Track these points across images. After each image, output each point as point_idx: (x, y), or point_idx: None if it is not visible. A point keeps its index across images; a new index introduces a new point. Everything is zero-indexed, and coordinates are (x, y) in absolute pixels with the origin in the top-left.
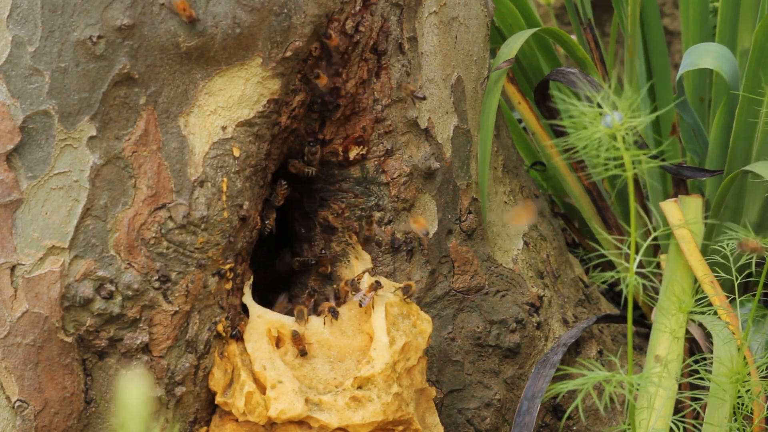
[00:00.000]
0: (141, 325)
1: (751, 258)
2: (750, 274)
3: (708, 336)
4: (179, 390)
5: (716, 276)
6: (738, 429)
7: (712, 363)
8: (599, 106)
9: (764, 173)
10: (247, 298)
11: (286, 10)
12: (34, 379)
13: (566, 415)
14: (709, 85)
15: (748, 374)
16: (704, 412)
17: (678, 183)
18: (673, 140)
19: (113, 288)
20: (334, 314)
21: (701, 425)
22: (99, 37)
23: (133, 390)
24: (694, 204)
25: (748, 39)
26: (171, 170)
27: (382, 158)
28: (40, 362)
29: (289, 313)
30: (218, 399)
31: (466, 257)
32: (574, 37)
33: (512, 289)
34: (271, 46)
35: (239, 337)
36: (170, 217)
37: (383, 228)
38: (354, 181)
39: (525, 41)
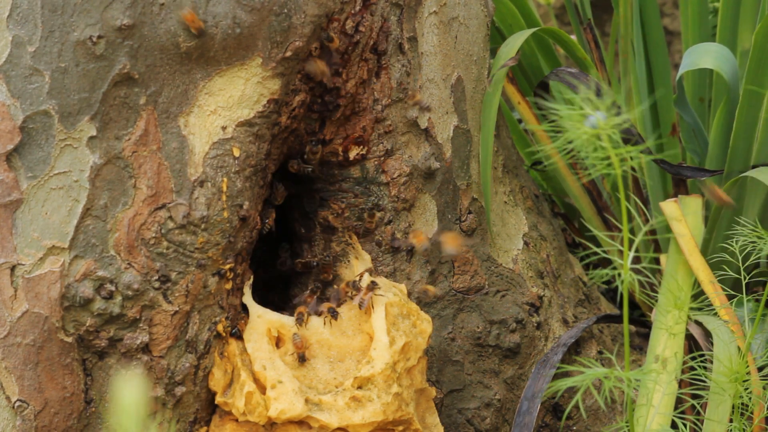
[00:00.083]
0: (141, 325)
1: (759, 257)
2: (759, 274)
3: (708, 335)
4: (179, 390)
5: (723, 274)
6: (738, 429)
7: (710, 361)
8: (581, 108)
9: (764, 179)
10: (247, 298)
11: (286, 10)
12: (34, 379)
13: (566, 413)
14: (709, 85)
15: (748, 373)
16: (703, 410)
17: (678, 183)
18: (673, 140)
19: (113, 288)
20: (334, 315)
21: (700, 422)
22: (99, 37)
23: (129, 390)
24: (694, 204)
25: (748, 39)
26: (171, 170)
27: (382, 158)
28: (40, 362)
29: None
30: (218, 399)
31: (466, 257)
32: (574, 37)
33: (512, 289)
34: (271, 46)
35: (239, 336)
36: (170, 217)
37: (383, 228)
38: (354, 181)
39: (525, 41)
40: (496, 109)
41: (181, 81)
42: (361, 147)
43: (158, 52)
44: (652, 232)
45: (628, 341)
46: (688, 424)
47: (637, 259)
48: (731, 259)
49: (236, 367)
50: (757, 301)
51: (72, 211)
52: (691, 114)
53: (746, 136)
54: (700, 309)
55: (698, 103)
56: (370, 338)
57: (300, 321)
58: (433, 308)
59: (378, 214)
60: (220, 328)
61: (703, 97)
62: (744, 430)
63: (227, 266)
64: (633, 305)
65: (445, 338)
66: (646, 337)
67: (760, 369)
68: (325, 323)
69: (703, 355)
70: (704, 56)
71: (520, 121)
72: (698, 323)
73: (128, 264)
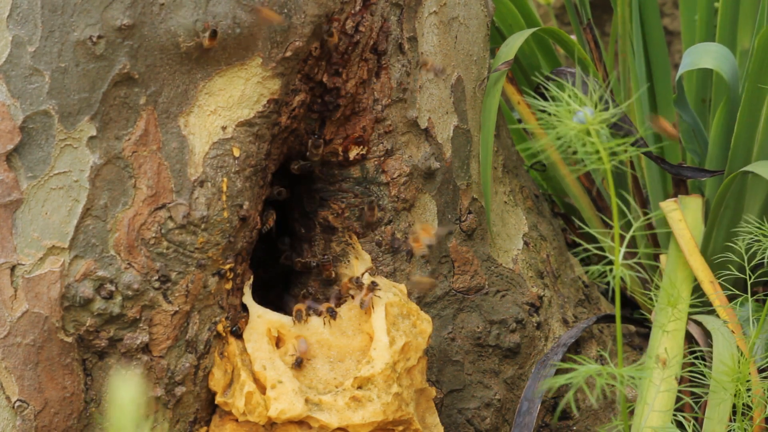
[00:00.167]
0: (141, 325)
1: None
2: (763, 274)
3: (708, 335)
4: (179, 390)
5: (726, 274)
6: (739, 429)
7: (708, 359)
8: (567, 104)
9: (764, 173)
10: (247, 298)
11: (286, 10)
12: (34, 379)
13: (558, 410)
14: (711, 86)
15: (749, 373)
16: (700, 408)
17: (678, 183)
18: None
19: (113, 288)
20: (333, 314)
21: (697, 419)
22: (99, 37)
23: (125, 390)
24: (694, 204)
25: (748, 39)
26: (171, 170)
27: (382, 158)
28: (40, 362)
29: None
30: (218, 399)
31: (466, 257)
32: (574, 37)
33: (512, 289)
34: (271, 46)
35: (238, 334)
36: (170, 217)
37: (383, 228)
38: (354, 181)
39: (525, 41)
40: (496, 109)
41: (181, 81)
42: (361, 147)
43: (158, 52)
44: (651, 227)
45: (620, 334)
46: (687, 423)
47: (634, 256)
48: (734, 257)
49: (236, 367)
50: (758, 301)
51: (72, 211)
52: (691, 114)
53: (747, 137)
54: (699, 308)
55: (700, 103)
56: (370, 338)
57: (299, 318)
58: (433, 308)
59: (378, 211)
60: (220, 328)
61: (705, 98)
62: (745, 430)
63: (227, 266)
64: (634, 305)
65: (445, 338)
66: (646, 337)
67: (761, 370)
68: (324, 323)
69: (703, 355)
70: (704, 56)
71: (520, 121)
72: (698, 323)
73: (128, 264)
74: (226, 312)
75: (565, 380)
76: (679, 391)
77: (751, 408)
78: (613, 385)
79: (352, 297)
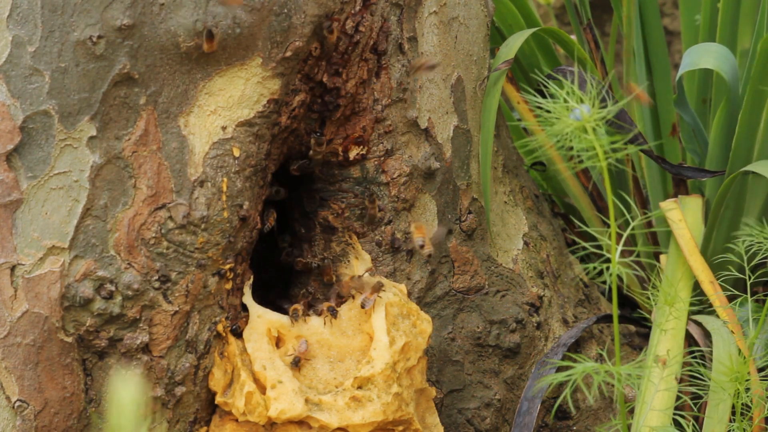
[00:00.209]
0: (141, 325)
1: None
2: (763, 274)
3: (707, 335)
4: (179, 390)
5: (725, 274)
6: (739, 429)
7: (707, 359)
8: (565, 101)
9: (765, 173)
10: (247, 298)
11: (286, 10)
12: (34, 379)
13: (554, 409)
14: (711, 87)
15: (748, 373)
16: (702, 409)
17: (678, 183)
18: (672, 140)
19: (113, 288)
20: (333, 313)
21: (697, 418)
22: (99, 37)
23: (125, 390)
24: (694, 204)
25: (748, 39)
26: (171, 170)
27: (382, 158)
28: (40, 362)
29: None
30: (218, 399)
31: (466, 257)
32: (574, 37)
33: (512, 289)
34: (271, 46)
35: (238, 333)
36: (170, 217)
37: (383, 228)
38: (354, 181)
39: (525, 41)
40: (495, 109)
41: (181, 81)
42: (361, 147)
43: (158, 52)
44: (650, 226)
45: (617, 332)
46: (687, 422)
47: (632, 255)
48: (735, 258)
49: (236, 367)
50: (757, 301)
51: (72, 211)
52: (691, 114)
53: (748, 137)
54: (696, 305)
55: (701, 104)
56: (370, 338)
57: (295, 317)
58: (433, 308)
59: (378, 213)
60: (220, 328)
61: (706, 98)
62: (745, 430)
63: (227, 266)
64: (634, 305)
65: (445, 338)
66: (646, 337)
67: (760, 370)
68: (325, 323)
69: (703, 355)
70: (704, 56)
71: (519, 120)
72: (697, 323)
73: (128, 264)
74: (226, 312)
75: (563, 377)
76: (679, 391)
77: (750, 408)
78: (612, 385)
79: (353, 297)
